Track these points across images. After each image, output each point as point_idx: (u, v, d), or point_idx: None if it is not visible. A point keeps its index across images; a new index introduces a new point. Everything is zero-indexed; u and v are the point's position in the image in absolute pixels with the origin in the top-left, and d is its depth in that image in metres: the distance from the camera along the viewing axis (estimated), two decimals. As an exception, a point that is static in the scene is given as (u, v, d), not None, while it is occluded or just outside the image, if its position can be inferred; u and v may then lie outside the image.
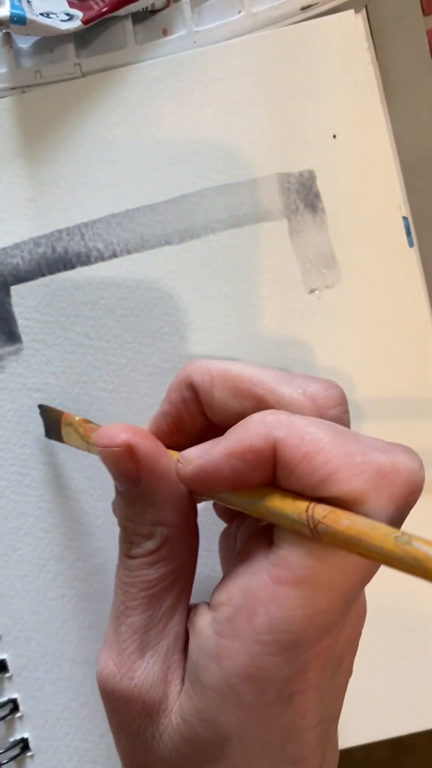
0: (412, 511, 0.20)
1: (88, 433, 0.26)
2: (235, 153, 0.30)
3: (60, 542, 0.30)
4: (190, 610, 0.24)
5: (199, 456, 0.22)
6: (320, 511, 0.19)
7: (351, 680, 0.24)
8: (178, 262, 0.30)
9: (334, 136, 0.30)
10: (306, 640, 0.21)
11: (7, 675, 0.30)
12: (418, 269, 0.31)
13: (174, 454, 0.23)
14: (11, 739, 0.31)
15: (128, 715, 0.23)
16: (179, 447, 0.23)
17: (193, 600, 0.24)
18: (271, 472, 0.21)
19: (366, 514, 0.19)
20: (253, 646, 0.20)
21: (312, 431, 0.20)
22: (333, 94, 0.30)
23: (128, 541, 0.23)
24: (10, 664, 0.30)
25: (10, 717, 0.30)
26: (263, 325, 0.31)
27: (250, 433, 0.21)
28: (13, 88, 0.30)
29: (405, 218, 0.31)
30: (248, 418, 0.21)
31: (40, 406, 0.30)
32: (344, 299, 0.31)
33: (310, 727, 0.22)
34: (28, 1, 0.30)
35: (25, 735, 0.31)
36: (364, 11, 0.31)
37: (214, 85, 0.30)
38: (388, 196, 0.31)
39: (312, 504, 0.20)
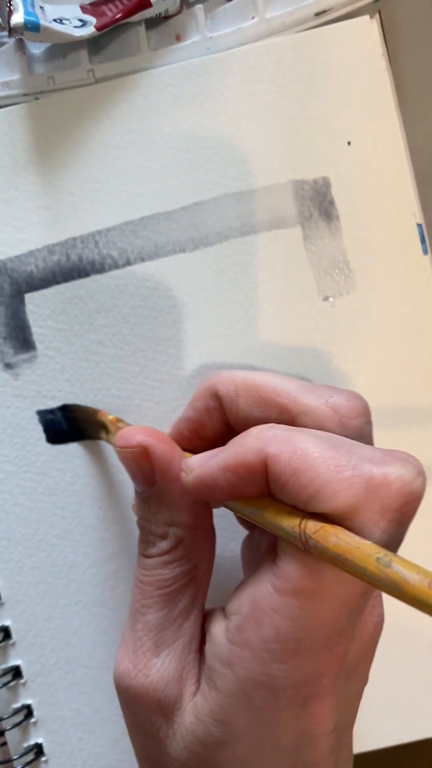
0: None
1: (117, 432, 0.26)
2: (249, 160, 0.30)
3: (74, 549, 0.30)
4: (207, 614, 0.24)
5: (198, 466, 0.22)
6: (311, 526, 0.20)
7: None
8: (192, 269, 0.30)
9: (349, 143, 0.30)
10: (313, 647, 0.21)
11: (22, 681, 0.31)
12: (432, 276, 0.31)
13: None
14: (26, 745, 0.31)
15: (142, 712, 0.23)
16: (198, 452, 0.24)
17: (210, 604, 0.25)
18: (267, 485, 0.21)
19: (358, 528, 0.19)
20: (262, 654, 0.21)
21: (303, 446, 0.20)
22: (347, 100, 0.30)
23: (145, 540, 0.24)
24: (24, 670, 0.31)
25: (24, 723, 0.31)
26: (277, 333, 0.31)
27: (244, 447, 0.21)
28: (26, 95, 0.30)
29: (419, 225, 0.31)
30: (247, 431, 0.22)
31: (65, 406, 0.30)
32: (359, 307, 0.31)
33: (325, 732, 0.22)
34: (41, 7, 0.30)
35: (40, 740, 0.31)
36: (377, 16, 0.31)
37: (228, 92, 0.30)
38: (402, 203, 0.31)
39: (305, 518, 0.20)
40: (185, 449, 0.24)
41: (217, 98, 0.30)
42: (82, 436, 0.30)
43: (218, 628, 0.23)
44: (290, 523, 0.20)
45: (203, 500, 0.23)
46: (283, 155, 0.30)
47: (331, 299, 0.31)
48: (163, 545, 0.24)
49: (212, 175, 0.30)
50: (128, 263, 0.30)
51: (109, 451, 0.30)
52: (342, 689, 0.23)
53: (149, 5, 0.29)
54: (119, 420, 0.28)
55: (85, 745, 0.31)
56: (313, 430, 0.21)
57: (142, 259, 0.30)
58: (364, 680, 0.24)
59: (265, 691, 0.21)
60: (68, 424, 0.30)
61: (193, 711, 0.22)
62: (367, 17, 0.30)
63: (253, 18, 0.30)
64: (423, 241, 0.31)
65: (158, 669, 0.23)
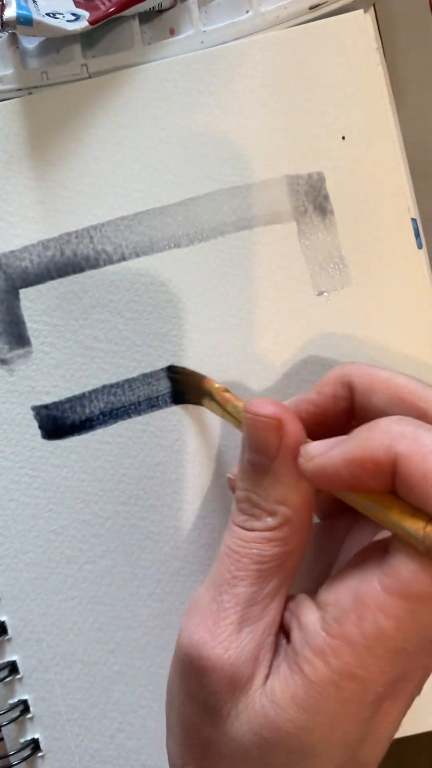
0: None
1: (225, 401, 0.27)
2: (244, 155, 0.30)
3: (69, 545, 0.30)
4: (288, 600, 0.24)
5: (320, 454, 0.22)
6: None
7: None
8: (186, 264, 0.30)
9: (343, 138, 0.30)
10: (413, 649, 0.21)
11: (18, 676, 0.31)
12: (427, 271, 0.31)
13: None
14: (22, 740, 0.31)
15: (209, 686, 0.23)
16: (311, 435, 0.23)
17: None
18: (392, 481, 0.20)
19: None
20: (360, 648, 0.21)
21: None
22: (342, 95, 0.30)
23: (248, 513, 0.23)
24: (20, 666, 0.31)
25: (21, 718, 0.31)
26: (272, 328, 0.31)
27: (372, 441, 0.20)
28: (19, 90, 0.30)
29: (414, 220, 0.31)
30: (374, 422, 0.21)
31: (171, 367, 0.30)
32: (353, 301, 0.31)
33: (387, 736, 0.23)
34: (34, 1, 0.30)
35: (36, 736, 0.31)
36: (372, 11, 0.31)
37: (223, 86, 0.30)
38: (397, 198, 0.31)
39: (431, 522, 0.19)
40: None
41: (212, 93, 0.30)
42: (182, 400, 0.30)
43: (310, 617, 0.22)
44: (414, 525, 0.20)
45: (319, 488, 0.23)
46: (278, 150, 0.30)
47: (326, 294, 0.31)
48: (269, 521, 0.23)
49: (207, 170, 0.30)
50: (123, 258, 0.30)
51: (105, 445, 0.30)
52: (412, 697, 0.23)
53: (143, -1, 0.29)
54: (226, 389, 0.27)
55: (81, 740, 0.31)
56: None
57: (137, 255, 0.30)
58: (420, 691, 0.24)
59: (357, 684, 0.21)
60: (171, 386, 0.30)
61: (268, 694, 0.22)
62: (361, 11, 0.30)
63: (247, 12, 0.30)
64: (417, 235, 0.31)
65: (238, 645, 0.22)
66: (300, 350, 0.31)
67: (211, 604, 0.23)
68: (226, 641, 0.22)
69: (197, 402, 0.30)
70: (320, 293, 0.31)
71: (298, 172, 0.30)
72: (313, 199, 0.31)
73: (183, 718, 0.24)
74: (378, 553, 0.21)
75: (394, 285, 0.31)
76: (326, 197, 0.31)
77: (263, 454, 0.23)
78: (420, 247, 0.31)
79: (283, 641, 0.23)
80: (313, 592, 0.23)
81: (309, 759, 0.22)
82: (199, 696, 0.23)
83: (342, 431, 0.23)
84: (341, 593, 0.22)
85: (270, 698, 0.22)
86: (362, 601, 0.21)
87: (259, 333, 0.31)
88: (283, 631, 0.23)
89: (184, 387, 0.30)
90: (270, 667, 0.22)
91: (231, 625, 0.23)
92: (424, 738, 0.33)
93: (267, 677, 0.22)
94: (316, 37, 0.30)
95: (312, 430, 0.24)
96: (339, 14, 0.30)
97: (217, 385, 0.28)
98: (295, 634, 0.22)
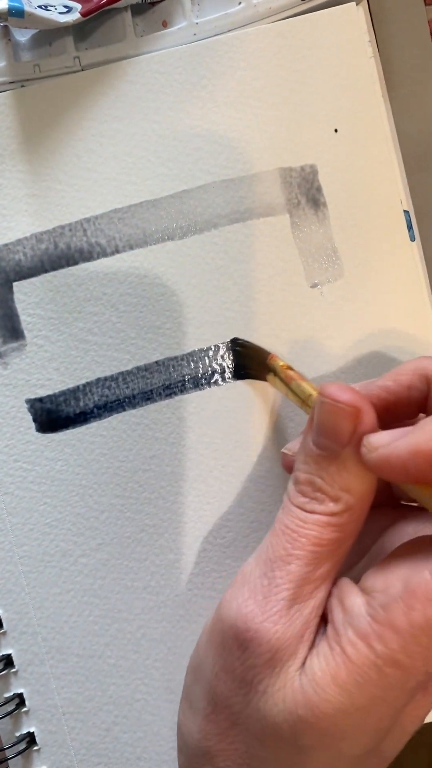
0: None
1: (289, 379, 0.27)
2: (237, 147, 0.30)
3: (64, 538, 0.30)
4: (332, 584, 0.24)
5: (385, 445, 0.22)
6: None
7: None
8: (180, 257, 0.30)
9: (336, 130, 0.30)
10: None
11: (13, 670, 0.31)
12: (419, 263, 0.31)
13: None
14: (18, 734, 0.31)
15: (251, 659, 0.23)
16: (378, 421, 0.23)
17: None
18: None
19: None
20: (406, 636, 0.21)
21: None
22: (334, 87, 0.30)
23: (309, 495, 0.23)
24: (15, 660, 0.31)
25: (16, 712, 0.31)
26: (265, 320, 0.31)
27: None
28: (12, 82, 0.30)
29: (406, 212, 0.31)
30: None
31: (235, 340, 0.30)
32: (346, 293, 0.31)
33: (411, 729, 0.23)
34: (26, -6, 0.30)
35: (32, 729, 0.31)
36: (365, 2, 0.31)
37: (216, 79, 0.30)
38: (389, 190, 0.31)
39: None
40: None
41: (205, 85, 0.30)
42: (243, 375, 0.30)
43: (355, 600, 0.22)
44: None
45: (380, 477, 0.23)
46: (271, 142, 0.30)
47: (319, 286, 0.31)
48: (332, 507, 0.23)
49: (200, 162, 0.30)
50: (117, 251, 0.30)
51: (100, 438, 0.30)
52: None
53: (135, -9, 0.29)
54: (289, 367, 0.27)
55: (77, 734, 0.31)
56: None
57: (131, 247, 0.30)
58: None
59: (399, 671, 0.21)
60: (234, 359, 0.30)
61: (308, 673, 0.22)
62: (353, 4, 0.30)
63: (239, 3, 0.30)
64: (410, 228, 0.31)
65: (287, 621, 0.22)
66: (293, 342, 0.31)
67: (261, 579, 0.23)
68: (276, 616, 0.22)
69: (261, 377, 0.30)
70: (313, 285, 0.31)
71: (291, 165, 0.30)
72: (306, 191, 0.31)
73: (214, 692, 0.24)
74: (429, 542, 0.22)
75: (387, 277, 0.31)
76: (319, 189, 0.31)
77: (334, 439, 0.23)
78: (413, 239, 0.31)
79: (322, 623, 0.23)
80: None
81: (338, 743, 0.22)
82: (237, 669, 0.23)
83: (407, 422, 0.23)
84: (390, 581, 0.22)
85: (310, 677, 0.22)
86: (412, 590, 0.21)
87: (252, 325, 0.31)
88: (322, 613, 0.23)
89: (247, 361, 0.30)
90: (310, 648, 0.23)
91: (282, 601, 0.23)
92: (424, 732, 0.33)
93: (306, 658, 0.22)
94: (308, 30, 0.30)
95: (378, 416, 0.24)
96: (331, 6, 0.30)
97: (281, 363, 0.28)
98: (338, 616, 0.22)
